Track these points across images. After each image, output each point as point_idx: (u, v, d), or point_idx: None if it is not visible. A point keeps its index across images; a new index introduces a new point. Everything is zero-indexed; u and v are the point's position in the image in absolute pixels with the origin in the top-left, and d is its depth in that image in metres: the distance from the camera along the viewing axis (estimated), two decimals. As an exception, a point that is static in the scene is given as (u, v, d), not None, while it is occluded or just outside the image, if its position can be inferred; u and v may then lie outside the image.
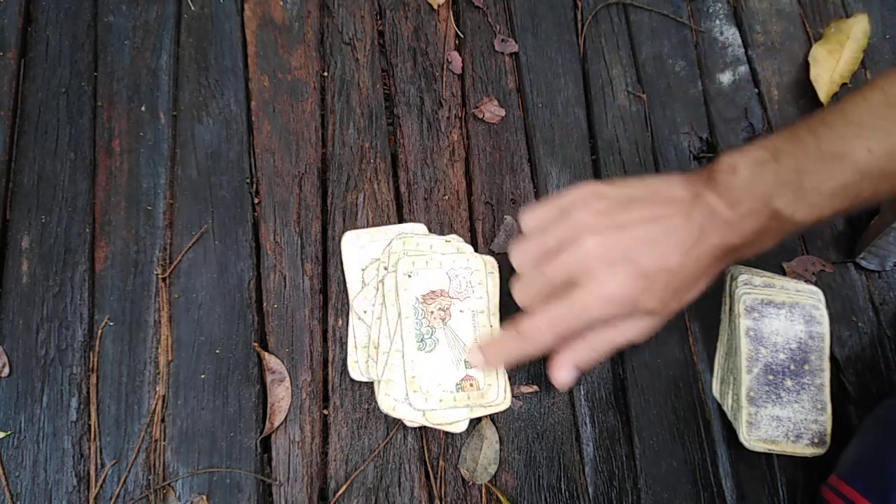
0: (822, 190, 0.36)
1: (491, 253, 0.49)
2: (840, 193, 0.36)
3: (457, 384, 0.43)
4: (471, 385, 0.44)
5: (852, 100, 0.37)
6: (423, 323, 0.44)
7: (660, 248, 0.37)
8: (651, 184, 0.40)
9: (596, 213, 0.39)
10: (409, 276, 0.45)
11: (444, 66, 0.55)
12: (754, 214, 0.37)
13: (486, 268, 0.47)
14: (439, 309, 0.45)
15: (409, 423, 0.43)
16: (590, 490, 0.45)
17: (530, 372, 0.47)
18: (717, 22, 0.60)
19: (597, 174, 0.53)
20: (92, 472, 0.42)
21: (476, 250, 0.49)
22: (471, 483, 0.44)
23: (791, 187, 0.36)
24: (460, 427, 0.43)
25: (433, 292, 0.45)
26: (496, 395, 0.44)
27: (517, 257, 0.41)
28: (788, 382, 0.44)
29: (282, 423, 0.44)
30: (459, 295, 0.46)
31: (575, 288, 0.38)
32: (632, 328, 0.40)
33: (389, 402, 0.43)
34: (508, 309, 0.46)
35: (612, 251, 0.37)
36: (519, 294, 0.41)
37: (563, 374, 0.41)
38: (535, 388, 0.46)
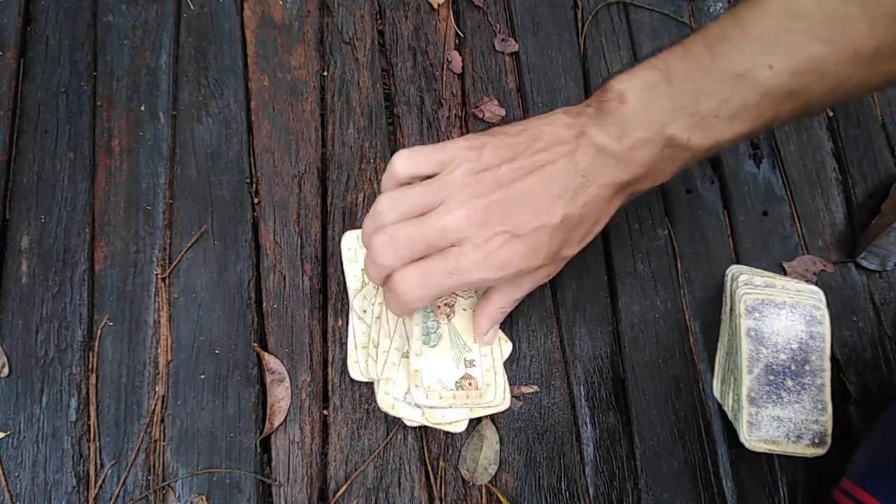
0: (720, 112, 0.33)
1: None
2: (740, 116, 0.34)
3: (456, 382, 0.43)
4: (469, 384, 0.44)
5: (751, 9, 0.33)
6: (429, 316, 0.44)
7: (539, 203, 0.34)
8: (533, 126, 0.37)
9: (476, 172, 0.35)
10: None
11: (444, 66, 0.55)
12: (646, 145, 0.34)
13: None
14: (445, 304, 0.45)
15: (408, 423, 0.43)
16: (590, 490, 0.45)
17: (530, 372, 0.47)
18: (718, 21, 0.60)
19: (597, 174, 0.53)
20: (91, 473, 0.42)
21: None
22: (471, 483, 0.44)
23: (686, 112, 0.33)
24: (460, 427, 0.43)
25: None
26: (494, 395, 0.44)
27: (385, 208, 0.36)
28: (789, 383, 0.44)
29: (281, 424, 0.44)
30: (464, 294, 0.45)
31: (451, 252, 0.35)
32: (528, 280, 0.38)
33: (389, 400, 0.43)
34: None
35: (490, 214, 0.34)
36: (384, 253, 0.35)
37: (487, 337, 0.42)
38: (535, 388, 0.46)
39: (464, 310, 0.45)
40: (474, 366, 0.44)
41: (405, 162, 0.37)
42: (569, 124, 0.36)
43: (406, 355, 0.44)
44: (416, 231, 0.35)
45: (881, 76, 0.34)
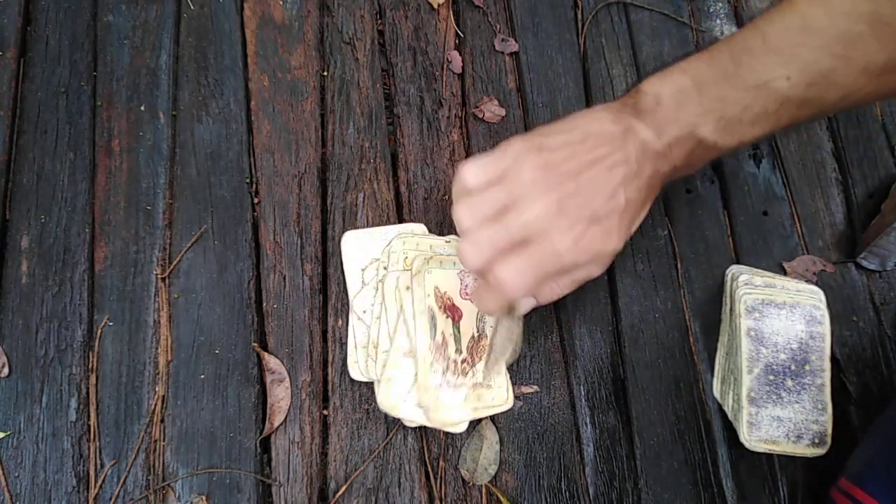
0: (743, 117, 0.37)
1: None
2: (761, 121, 0.38)
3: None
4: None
5: (771, 21, 0.37)
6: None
7: (606, 188, 0.37)
8: (581, 124, 0.39)
9: (539, 168, 0.37)
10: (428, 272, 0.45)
11: (444, 66, 0.55)
12: (681, 143, 0.38)
13: None
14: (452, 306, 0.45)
15: (408, 423, 0.43)
16: (590, 490, 0.45)
17: (530, 372, 0.47)
18: (718, 21, 0.60)
19: (597, 174, 0.53)
20: (91, 473, 0.42)
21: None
22: (471, 484, 0.44)
23: (714, 116, 0.37)
24: (460, 428, 0.43)
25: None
26: (494, 396, 0.44)
27: (463, 216, 0.38)
28: (789, 382, 0.44)
29: (281, 424, 0.44)
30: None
31: (532, 244, 0.36)
32: (586, 269, 0.40)
33: (390, 401, 0.43)
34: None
35: (564, 203, 0.36)
36: (471, 254, 0.38)
37: (524, 304, 0.42)
38: (536, 388, 0.46)
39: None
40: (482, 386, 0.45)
41: (474, 171, 0.39)
42: (614, 120, 0.39)
43: (408, 355, 0.44)
44: (498, 230, 0.37)
45: (890, 87, 0.37)
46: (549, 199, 0.36)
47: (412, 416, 0.43)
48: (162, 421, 0.44)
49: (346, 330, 0.46)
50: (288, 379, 0.45)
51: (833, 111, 0.41)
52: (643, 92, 0.39)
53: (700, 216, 0.52)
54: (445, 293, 0.45)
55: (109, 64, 0.52)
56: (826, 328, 0.45)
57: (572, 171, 0.37)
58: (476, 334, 0.45)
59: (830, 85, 0.36)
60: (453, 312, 0.45)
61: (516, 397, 0.46)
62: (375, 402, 0.44)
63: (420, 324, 0.43)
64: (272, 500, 0.43)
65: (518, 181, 0.37)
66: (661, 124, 0.38)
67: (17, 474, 0.42)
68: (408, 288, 0.44)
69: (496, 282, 0.37)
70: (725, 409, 0.46)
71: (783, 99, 0.37)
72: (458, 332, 0.44)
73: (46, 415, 0.43)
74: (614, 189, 0.37)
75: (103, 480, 0.42)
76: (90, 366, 0.45)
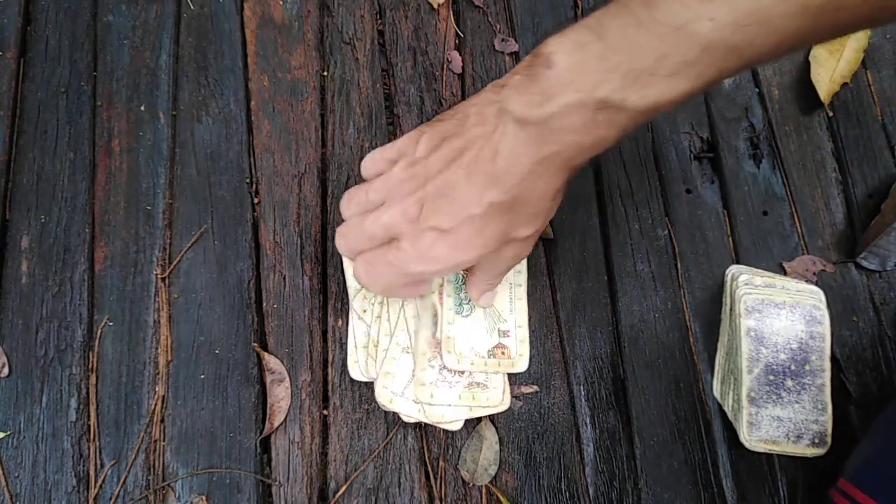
0: (656, 70, 0.30)
1: None
2: (679, 73, 0.31)
3: (489, 350, 0.44)
4: (502, 353, 0.44)
5: None
6: (461, 288, 0.45)
7: (461, 194, 0.34)
8: (463, 108, 0.36)
9: (410, 165, 0.37)
10: None
11: (445, 66, 0.55)
12: (573, 111, 0.31)
13: None
14: None
15: (406, 418, 0.43)
16: (590, 490, 0.45)
17: (530, 372, 0.47)
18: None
19: (597, 174, 0.53)
20: (91, 473, 0.42)
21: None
22: (471, 484, 0.44)
23: (619, 71, 0.30)
24: (456, 426, 0.43)
25: None
26: (490, 397, 0.44)
27: (344, 204, 0.40)
28: (789, 383, 0.44)
29: (281, 424, 0.44)
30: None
31: (391, 246, 0.37)
32: (493, 263, 0.38)
33: (387, 394, 0.43)
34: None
35: (419, 211, 0.35)
36: (341, 243, 0.40)
37: (483, 301, 0.43)
38: (536, 388, 0.46)
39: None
40: (508, 336, 0.45)
41: (368, 162, 0.41)
42: (492, 100, 0.34)
43: (407, 350, 0.44)
44: (363, 227, 0.38)
45: (828, 26, 0.31)
46: (406, 204, 0.36)
47: (408, 412, 0.43)
48: (162, 421, 0.44)
49: (346, 330, 0.46)
50: (288, 379, 0.45)
51: (761, 62, 0.33)
52: (538, 54, 0.32)
53: (700, 216, 0.52)
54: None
55: (109, 64, 0.52)
56: (826, 328, 0.45)
57: (433, 171, 0.35)
58: None
59: (762, 27, 0.30)
60: None
61: (516, 397, 0.46)
62: (375, 402, 0.44)
63: (424, 319, 0.44)
64: (272, 500, 0.43)
65: (389, 177, 0.38)
66: (548, 91, 0.31)
67: (17, 474, 0.42)
68: None
69: (354, 273, 0.39)
70: (725, 409, 0.46)
71: (705, 44, 0.30)
72: None
73: (46, 415, 0.43)
74: (472, 193, 0.33)
75: (103, 480, 0.42)
76: (90, 366, 0.45)
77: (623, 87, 0.31)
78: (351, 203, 0.40)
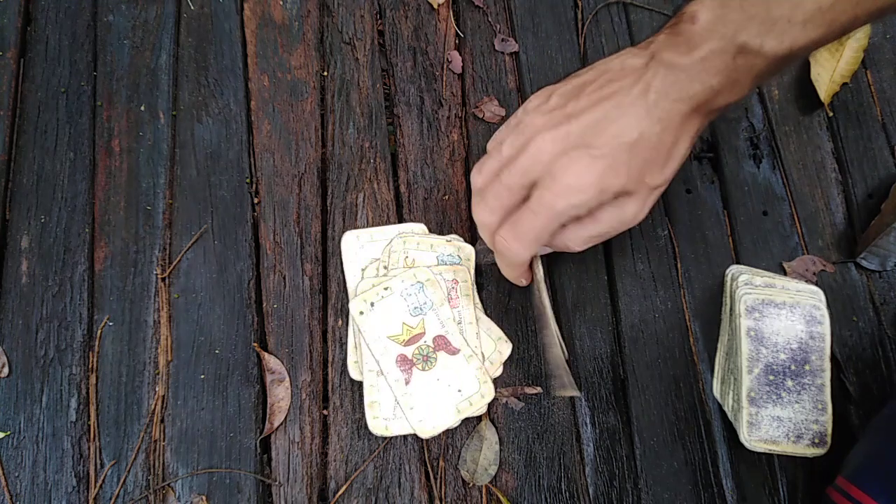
0: (793, 17, 0.33)
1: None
2: (815, 19, 0.33)
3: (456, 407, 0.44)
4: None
5: None
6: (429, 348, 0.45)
7: (614, 123, 0.35)
8: (601, 64, 0.38)
9: (546, 113, 0.37)
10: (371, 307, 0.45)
11: (444, 66, 0.55)
12: (717, 55, 0.34)
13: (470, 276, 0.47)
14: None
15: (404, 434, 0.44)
16: (590, 490, 0.45)
17: (531, 372, 0.47)
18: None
19: (597, 174, 0.53)
20: (91, 473, 0.42)
21: (476, 250, 0.49)
22: (471, 484, 0.44)
23: (758, 19, 0.33)
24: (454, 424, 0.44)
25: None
26: (472, 401, 0.44)
27: (475, 178, 0.39)
28: (789, 383, 0.44)
29: (281, 424, 0.44)
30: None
31: (536, 191, 0.36)
32: (613, 215, 0.38)
33: (380, 424, 0.43)
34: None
35: (565, 143, 0.35)
36: (479, 212, 0.38)
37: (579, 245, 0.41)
38: (539, 389, 0.46)
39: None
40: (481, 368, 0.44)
41: (494, 138, 0.40)
42: (637, 53, 0.37)
43: (380, 374, 0.44)
44: (499, 181, 0.37)
45: None
46: (549, 137, 0.35)
47: (405, 431, 0.43)
48: (162, 421, 0.44)
49: (346, 330, 0.46)
50: (288, 379, 0.45)
51: (893, 8, 0.34)
52: (681, 14, 0.35)
53: (700, 216, 0.52)
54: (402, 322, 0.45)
55: (109, 64, 0.52)
56: (826, 328, 0.45)
57: (580, 110, 0.36)
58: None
59: None
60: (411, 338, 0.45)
61: (516, 397, 0.46)
62: (375, 402, 0.44)
63: (382, 347, 0.44)
64: (272, 500, 0.43)
65: (521, 128, 0.37)
66: (693, 40, 0.34)
67: (17, 474, 0.42)
68: (361, 313, 0.44)
69: (497, 249, 0.38)
70: (725, 409, 0.46)
71: None
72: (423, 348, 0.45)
73: (46, 415, 0.43)
74: (624, 122, 0.35)
75: (103, 480, 0.42)
76: (90, 366, 0.45)
77: (760, 33, 0.33)
78: (483, 168, 0.39)
